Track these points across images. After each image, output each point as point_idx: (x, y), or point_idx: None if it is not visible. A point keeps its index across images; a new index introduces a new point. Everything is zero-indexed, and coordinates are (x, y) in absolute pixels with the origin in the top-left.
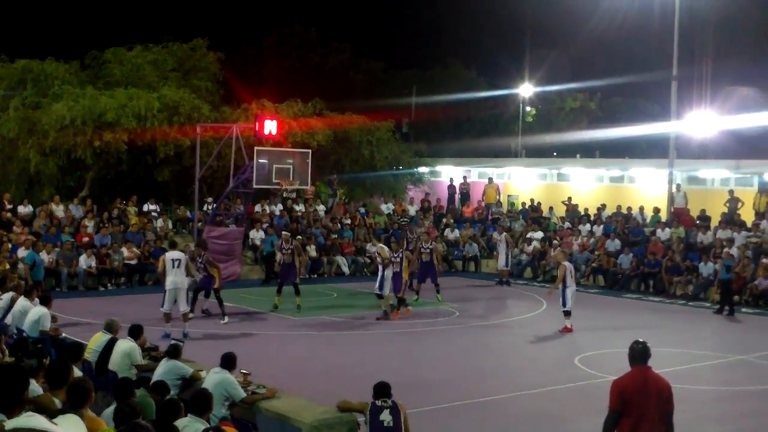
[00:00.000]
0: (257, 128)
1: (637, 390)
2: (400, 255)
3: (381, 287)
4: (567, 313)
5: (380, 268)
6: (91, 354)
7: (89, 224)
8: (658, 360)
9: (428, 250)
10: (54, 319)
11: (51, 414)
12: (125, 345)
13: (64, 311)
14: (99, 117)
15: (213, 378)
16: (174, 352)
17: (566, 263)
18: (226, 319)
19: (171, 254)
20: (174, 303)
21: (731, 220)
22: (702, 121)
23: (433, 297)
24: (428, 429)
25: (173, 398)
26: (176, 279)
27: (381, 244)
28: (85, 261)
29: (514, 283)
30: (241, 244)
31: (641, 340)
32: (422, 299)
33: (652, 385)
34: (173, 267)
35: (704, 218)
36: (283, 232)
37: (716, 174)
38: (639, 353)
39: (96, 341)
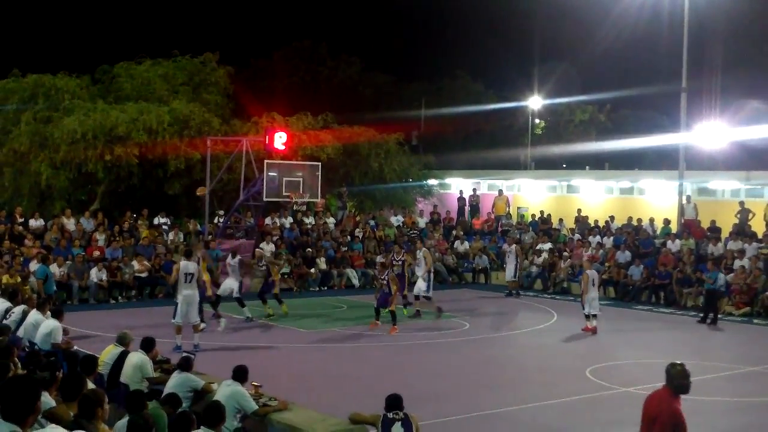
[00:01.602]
0: (267, 141)
1: (651, 418)
2: (402, 261)
3: (428, 290)
4: (587, 316)
5: (423, 272)
6: (102, 367)
7: (100, 237)
8: None
9: (400, 262)
10: (66, 332)
11: (66, 426)
12: (137, 358)
13: (76, 324)
14: (110, 131)
15: (225, 390)
16: (185, 365)
17: (589, 271)
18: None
19: (185, 266)
20: (185, 315)
21: (742, 231)
22: (712, 132)
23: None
24: None
25: (186, 410)
26: (188, 292)
27: (426, 249)
28: (96, 274)
29: (524, 295)
30: (251, 257)
31: (680, 363)
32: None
33: (664, 419)
34: (185, 281)
35: (715, 230)
36: (257, 249)
37: (726, 185)
38: (668, 377)
39: (108, 354)
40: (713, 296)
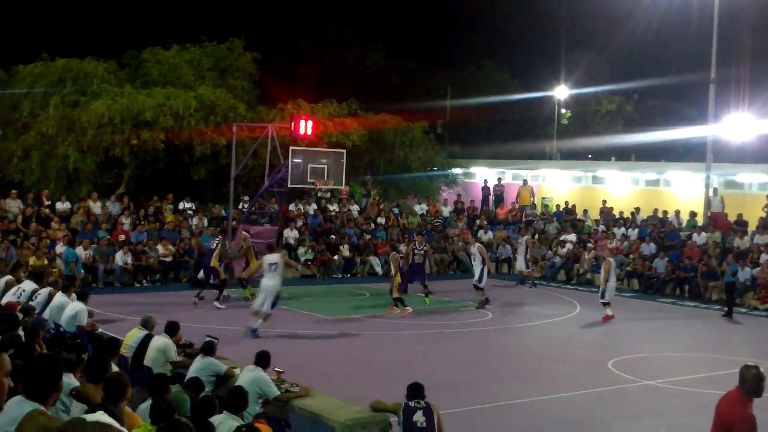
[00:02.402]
0: (293, 128)
1: (716, 410)
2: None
3: (480, 280)
4: (606, 304)
5: (479, 262)
6: (126, 350)
7: (126, 221)
8: (693, 365)
9: (422, 252)
10: (90, 314)
11: (91, 408)
12: (161, 341)
13: (100, 307)
14: (137, 116)
15: (247, 375)
16: (209, 349)
17: (610, 259)
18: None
19: (269, 257)
20: (262, 303)
21: None
22: (740, 124)
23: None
24: (461, 430)
25: (209, 395)
26: (271, 282)
27: (479, 244)
28: (122, 257)
29: (546, 285)
30: (275, 243)
31: (755, 365)
32: (438, 298)
33: (720, 407)
34: (270, 270)
35: (741, 223)
36: (243, 233)
37: (754, 178)
38: (742, 379)
39: (132, 337)
40: (732, 289)
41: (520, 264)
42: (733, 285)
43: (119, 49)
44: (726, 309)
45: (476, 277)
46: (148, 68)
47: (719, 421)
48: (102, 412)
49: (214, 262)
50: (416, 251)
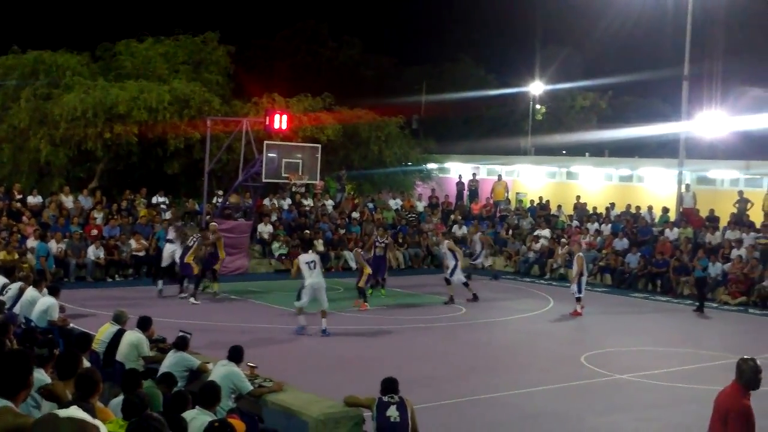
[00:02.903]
0: (267, 122)
1: (715, 404)
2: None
3: (452, 274)
4: (579, 299)
5: (451, 258)
6: (98, 345)
7: (98, 216)
8: (665, 359)
9: (383, 245)
10: (62, 309)
11: (62, 405)
12: (133, 336)
13: (72, 302)
14: (110, 109)
15: (220, 370)
16: (182, 344)
17: (581, 254)
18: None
19: (304, 257)
20: (317, 301)
21: (740, 220)
22: (712, 121)
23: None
24: (435, 425)
25: (181, 390)
26: (315, 280)
27: (448, 240)
28: (94, 252)
29: (521, 281)
30: (249, 238)
31: (751, 358)
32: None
33: (720, 400)
34: (310, 269)
35: (713, 219)
36: (211, 224)
37: (726, 174)
38: (739, 372)
39: (104, 332)
40: (703, 284)
41: (480, 259)
42: (703, 280)
43: (92, 42)
44: (697, 304)
45: (449, 271)
46: (122, 61)
47: (717, 413)
48: (75, 407)
49: (188, 258)
50: (378, 244)
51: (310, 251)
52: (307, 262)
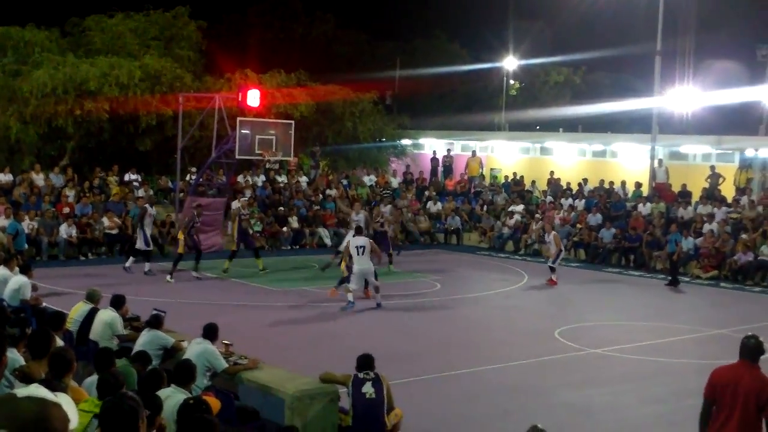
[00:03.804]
0: (241, 98)
1: (728, 384)
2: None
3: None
4: (554, 270)
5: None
6: (72, 324)
7: (70, 193)
8: (638, 333)
9: (381, 221)
10: (34, 288)
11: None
12: (107, 315)
13: (45, 281)
14: (80, 85)
15: (195, 348)
16: (156, 323)
17: (555, 232)
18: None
19: (355, 241)
20: (364, 283)
21: (712, 195)
22: (685, 96)
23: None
24: (410, 400)
25: (156, 368)
26: (363, 266)
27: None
28: (66, 230)
29: (495, 256)
30: (223, 215)
31: (754, 335)
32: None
33: (747, 383)
34: (358, 254)
35: (685, 193)
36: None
37: (698, 149)
38: (746, 348)
39: (77, 311)
40: (674, 259)
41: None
42: (673, 254)
43: (61, 17)
44: (669, 278)
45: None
46: (92, 37)
47: (749, 397)
48: (36, 385)
49: (179, 234)
50: (378, 220)
51: (362, 236)
52: (356, 246)
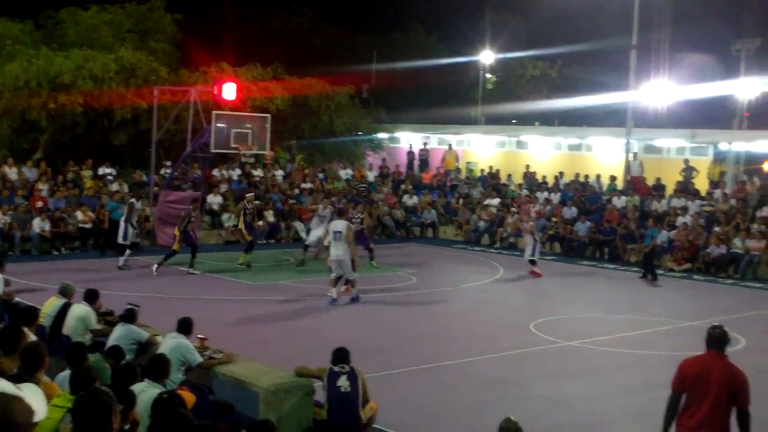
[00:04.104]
0: (216, 92)
1: (700, 375)
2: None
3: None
4: (534, 262)
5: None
6: (45, 318)
7: (43, 187)
8: (612, 326)
9: (359, 219)
10: (7, 283)
11: (7, 379)
12: (80, 309)
13: (17, 275)
14: (54, 78)
15: (169, 343)
16: (129, 317)
17: (531, 222)
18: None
19: (334, 225)
20: (340, 271)
21: (686, 188)
22: (660, 90)
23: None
24: (386, 394)
25: (130, 363)
26: (338, 250)
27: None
28: (39, 224)
29: (471, 250)
30: (198, 209)
31: (719, 324)
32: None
33: (719, 374)
34: (335, 238)
35: (659, 187)
36: (247, 195)
37: (672, 143)
38: (713, 338)
39: (50, 306)
40: (651, 253)
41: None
42: (652, 248)
43: (35, 9)
44: (643, 272)
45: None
46: (66, 29)
47: (722, 386)
48: (3, 380)
49: (176, 230)
50: (354, 220)
51: (342, 220)
52: (334, 231)
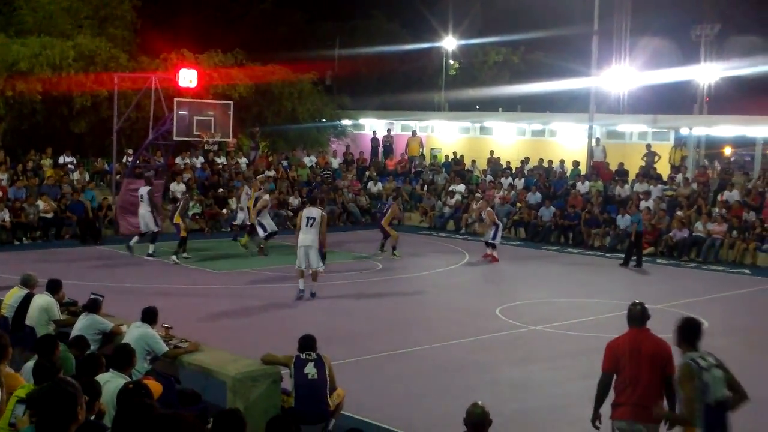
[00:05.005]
0: (177, 79)
1: (630, 351)
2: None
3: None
4: (494, 246)
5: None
6: (7, 309)
7: (3, 177)
8: (577, 310)
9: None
10: None
11: None
12: (43, 300)
13: None
14: (11, 66)
15: (134, 332)
16: (93, 307)
17: (489, 208)
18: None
19: (307, 211)
20: (306, 260)
21: (648, 173)
22: (622, 75)
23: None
24: (353, 380)
25: (94, 353)
26: (307, 237)
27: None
28: None
29: (436, 236)
30: (161, 198)
31: (639, 302)
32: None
33: (648, 347)
34: (306, 225)
35: (622, 172)
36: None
37: (634, 128)
38: (635, 315)
39: (12, 296)
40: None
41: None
42: (629, 233)
43: None
44: (634, 259)
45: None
46: (23, 16)
47: (652, 359)
48: None
49: (176, 218)
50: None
51: (315, 207)
52: (307, 217)
